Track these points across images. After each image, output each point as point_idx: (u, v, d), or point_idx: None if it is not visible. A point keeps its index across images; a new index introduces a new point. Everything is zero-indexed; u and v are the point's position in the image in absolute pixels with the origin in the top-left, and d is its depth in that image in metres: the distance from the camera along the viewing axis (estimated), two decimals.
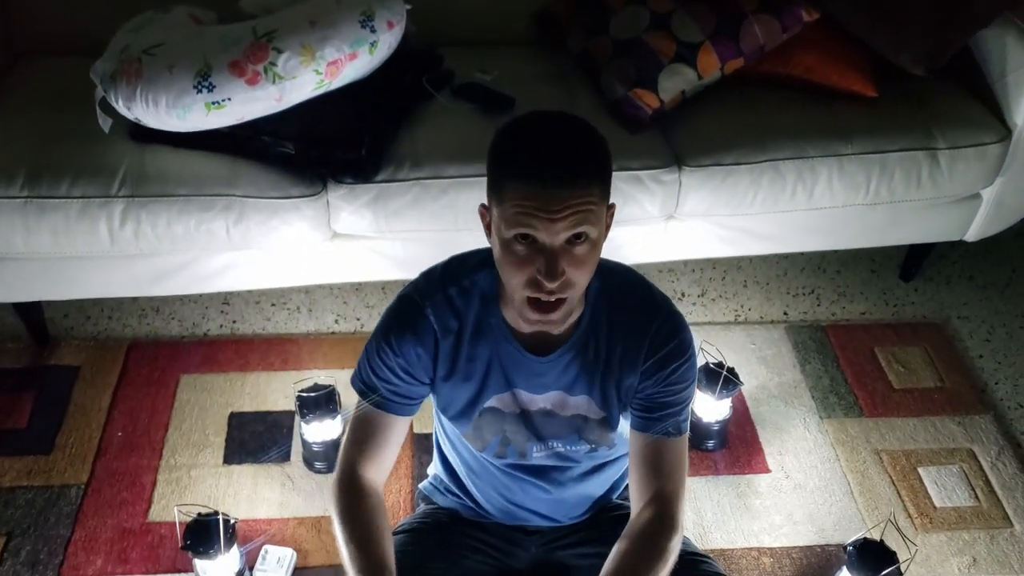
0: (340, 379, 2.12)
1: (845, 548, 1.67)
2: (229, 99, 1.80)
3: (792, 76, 2.15)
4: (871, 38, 2.14)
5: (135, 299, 2.31)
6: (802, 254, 2.52)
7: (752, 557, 1.84)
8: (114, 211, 1.87)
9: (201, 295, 2.32)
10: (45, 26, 2.23)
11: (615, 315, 1.34)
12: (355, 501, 1.34)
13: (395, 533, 1.52)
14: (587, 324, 1.33)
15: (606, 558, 1.53)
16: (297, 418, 1.98)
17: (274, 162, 1.93)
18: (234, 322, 2.29)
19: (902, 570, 1.66)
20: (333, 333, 2.28)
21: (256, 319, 2.30)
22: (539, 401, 1.39)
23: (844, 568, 1.67)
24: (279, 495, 1.91)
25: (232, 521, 1.65)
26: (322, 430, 1.89)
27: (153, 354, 2.19)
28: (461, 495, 1.60)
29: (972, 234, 2.30)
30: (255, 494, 1.91)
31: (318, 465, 1.94)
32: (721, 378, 1.91)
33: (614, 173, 1.99)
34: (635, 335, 1.34)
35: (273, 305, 2.34)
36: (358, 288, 2.39)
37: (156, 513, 1.86)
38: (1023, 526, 1.91)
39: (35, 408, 2.05)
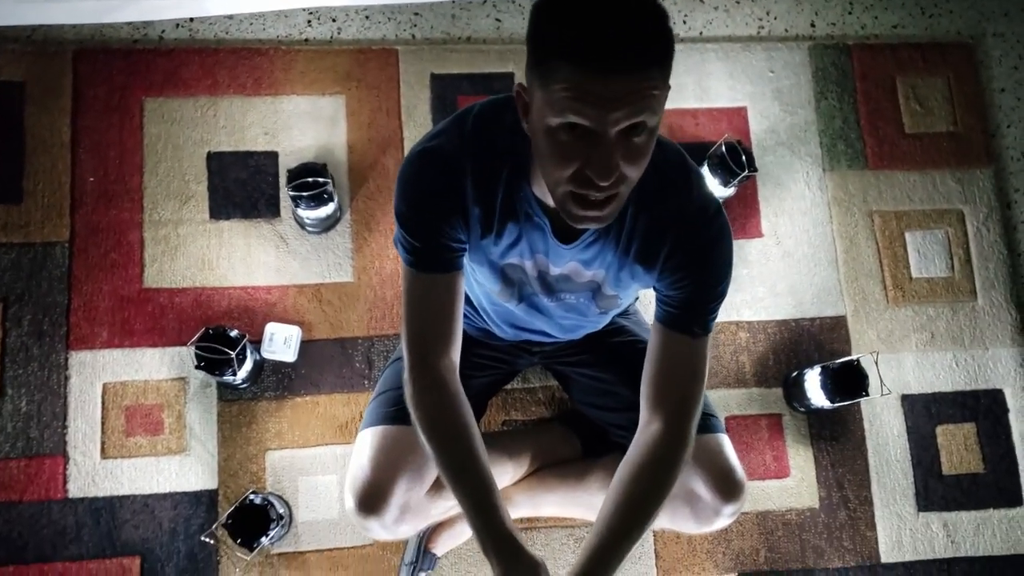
0: (322, 109, 1.96)
1: (824, 366, 1.79)
2: None
3: None
4: None
5: None
6: None
7: (730, 332, 1.96)
8: None
9: None
10: None
11: (643, 208, 1.23)
12: (439, 412, 1.31)
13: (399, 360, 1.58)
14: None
15: (599, 380, 1.65)
16: (282, 173, 1.86)
17: None
18: (191, 20, 1.97)
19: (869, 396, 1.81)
20: (307, 40, 2.00)
21: (217, 18, 1.98)
22: (556, 269, 1.36)
23: (816, 375, 1.80)
24: (274, 259, 1.88)
25: (243, 339, 1.67)
26: (316, 212, 1.80)
27: (106, 67, 1.92)
28: (472, 316, 1.62)
29: None
30: (249, 257, 1.88)
31: (310, 228, 1.88)
32: (738, 179, 1.81)
33: None
34: (657, 231, 1.25)
35: None
36: None
37: (151, 278, 1.85)
38: (985, 299, 2.04)
39: None
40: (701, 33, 2.10)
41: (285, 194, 1.86)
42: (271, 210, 1.90)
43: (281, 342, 1.81)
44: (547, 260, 1.32)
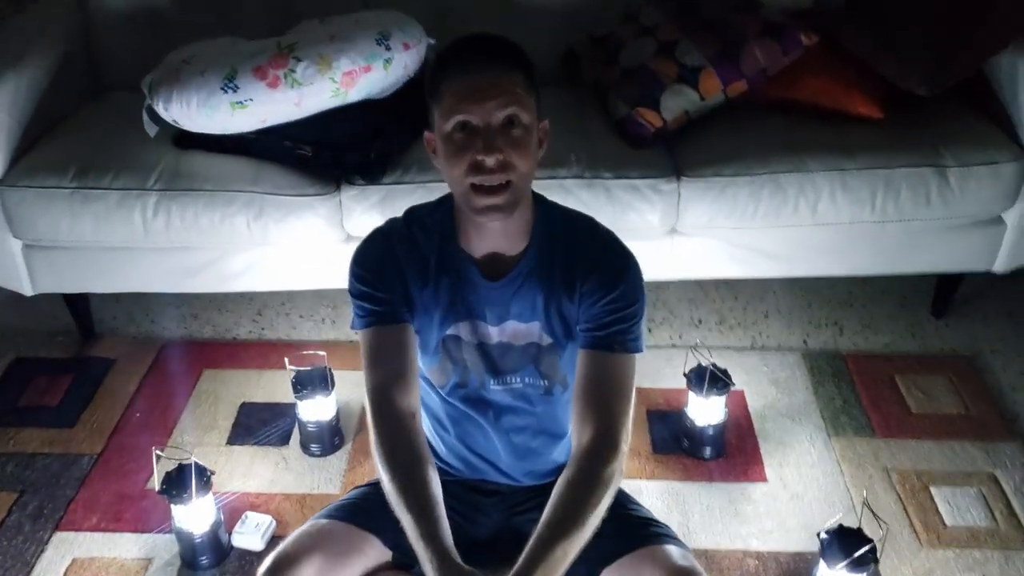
0: (349, 377, 2.20)
1: (819, 535, 1.59)
2: (251, 99, 1.99)
3: (800, 100, 2.19)
4: (877, 64, 2.17)
5: (177, 306, 2.48)
6: (828, 287, 2.49)
7: (736, 559, 1.76)
8: (148, 202, 2.06)
9: (238, 304, 2.49)
10: (129, 63, 2.42)
11: (557, 243, 1.45)
12: (398, 445, 1.39)
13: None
14: (535, 250, 1.44)
15: None
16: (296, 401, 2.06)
17: (294, 164, 2.09)
18: (263, 329, 2.43)
19: (877, 550, 1.56)
20: (351, 341, 2.37)
21: (283, 326, 2.43)
22: (495, 335, 1.48)
23: (820, 559, 1.58)
24: (271, 473, 1.97)
25: (208, 472, 1.73)
26: (317, 409, 1.96)
27: (183, 352, 2.34)
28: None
29: (1000, 265, 2.22)
30: (249, 471, 1.98)
31: (313, 448, 2.00)
32: (707, 375, 1.89)
33: (612, 181, 2.10)
34: (572, 260, 1.44)
35: (301, 316, 2.46)
36: None
37: (156, 483, 1.95)
38: None
39: (69, 390, 2.21)
40: (695, 346, 2.32)
41: (296, 431, 2.04)
42: (282, 440, 2.05)
43: (253, 526, 1.80)
44: (485, 324, 1.48)
